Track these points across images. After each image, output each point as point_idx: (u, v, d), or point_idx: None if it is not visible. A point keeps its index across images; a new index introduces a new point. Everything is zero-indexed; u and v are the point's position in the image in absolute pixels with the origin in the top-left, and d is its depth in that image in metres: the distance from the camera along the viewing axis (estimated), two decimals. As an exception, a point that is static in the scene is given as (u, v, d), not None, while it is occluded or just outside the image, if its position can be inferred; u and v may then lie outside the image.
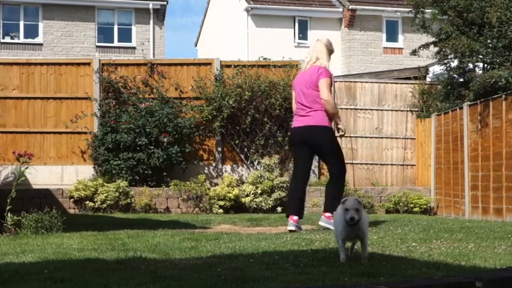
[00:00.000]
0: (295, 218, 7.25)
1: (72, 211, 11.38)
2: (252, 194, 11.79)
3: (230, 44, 26.22)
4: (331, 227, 6.97)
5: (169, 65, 13.22)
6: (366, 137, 13.38)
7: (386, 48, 25.31)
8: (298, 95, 7.51)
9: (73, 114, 12.60)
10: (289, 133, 7.69)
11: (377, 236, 6.29)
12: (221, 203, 11.55)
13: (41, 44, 23.33)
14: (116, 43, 24.02)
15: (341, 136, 7.88)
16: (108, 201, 11.28)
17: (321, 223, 7.34)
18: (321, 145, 7.40)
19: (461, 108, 11.21)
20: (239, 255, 4.97)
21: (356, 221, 4.39)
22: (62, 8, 23.34)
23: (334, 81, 13.23)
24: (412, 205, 11.92)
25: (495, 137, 9.93)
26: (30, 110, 12.80)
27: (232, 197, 11.59)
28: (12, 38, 23.39)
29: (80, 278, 3.89)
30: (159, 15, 24.15)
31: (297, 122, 7.55)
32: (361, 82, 13.66)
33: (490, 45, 10.87)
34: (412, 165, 13.43)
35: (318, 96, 7.32)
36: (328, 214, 7.18)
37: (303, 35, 25.17)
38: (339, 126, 7.63)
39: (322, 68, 7.47)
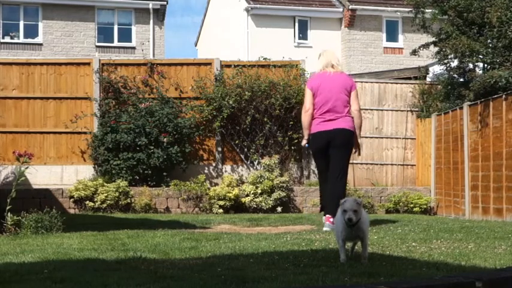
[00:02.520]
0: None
1: (72, 211, 11.37)
2: (252, 194, 11.78)
3: (230, 44, 26.22)
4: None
5: (169, 65, 13.21)
6: (366, 137, 13.37)
7: (387, 48, 25.32)
8: (329, 98, 7.48)
9: (73, 114, 12.60)
10: (311, 136, 7.62)
11: (377, 236, 6.29)
12: (221, 203, 11.55)
13: (41, 44, 23.33)
14: (115, 43, 24.02)
15: (359, 154, 8.10)
16: (108, 201, 11.27)
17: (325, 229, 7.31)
18: (343, 147, 7.47)
19: (461, 108, 11.20)
20: (239, 255, 4.97)
21: (354, 222, 4.41)
22: (62, 8, 23.34)
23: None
24: (412, 205, 11.92)
25: (495, 137, 9.92)
26: (30, 110, 12.79)
27: (232, 197, 11.59)
28: (12, 38, 23.39)
29: (80, 278, 3.89)
30: (159, 15, 24.15)
31: (325, 126, 7.48)
32: (361, 82, 13.64)
33: (490, 45, 10.86)
34: (412, 165, 13.42)
35: (349, 102, 7.50)
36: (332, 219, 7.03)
37: (303, 35, 25.17)
38: (358, 140, 7.70)
39: (350, 77, 7.90)
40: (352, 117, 7.50)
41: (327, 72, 7.60)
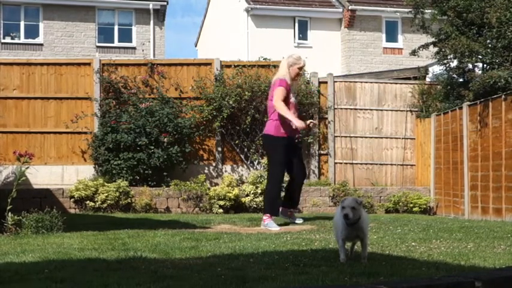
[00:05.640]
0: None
1: (72, 211, 11.38)
2: (252, 193, 11.79)
3: (230, 44, 26.23)
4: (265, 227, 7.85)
5: (170, 65, 13.23)
6: (366, 137, 13.39)
7: (386, 48, 25.32)
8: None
9: (73, 114, 12.61)
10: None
11: (377, 236, 6.31)
12: (221, 202, 11.56)
13: (42, 44, 23.34)
14: (116, 43, 24.03)
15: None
16: (109, 201, 11.28)
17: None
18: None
19: (460, 108, 11.22)
20: (239, 255, 4.98)
21: (351, 219, 4.42)
22: (62, 8, 23.36)
23: (334, 82, 13.35)
24: (411, 205, 11.93)
25: (494, 137, 9.94)
26: (30, 110, 12.80)
27: (232, 197, 11.59)
28: (12, 38, 23.41)
29: (80, 278, 3.90)
30: (159, 15, 24.16)
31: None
32: (361, 82, 13.66)
33: (490, 46, 10.88)
34: (412, 165, 13.44)
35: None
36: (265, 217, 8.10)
37: (303, 35, 25.18)
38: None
39: None
40: None
41: (287, 78, 8.55)
